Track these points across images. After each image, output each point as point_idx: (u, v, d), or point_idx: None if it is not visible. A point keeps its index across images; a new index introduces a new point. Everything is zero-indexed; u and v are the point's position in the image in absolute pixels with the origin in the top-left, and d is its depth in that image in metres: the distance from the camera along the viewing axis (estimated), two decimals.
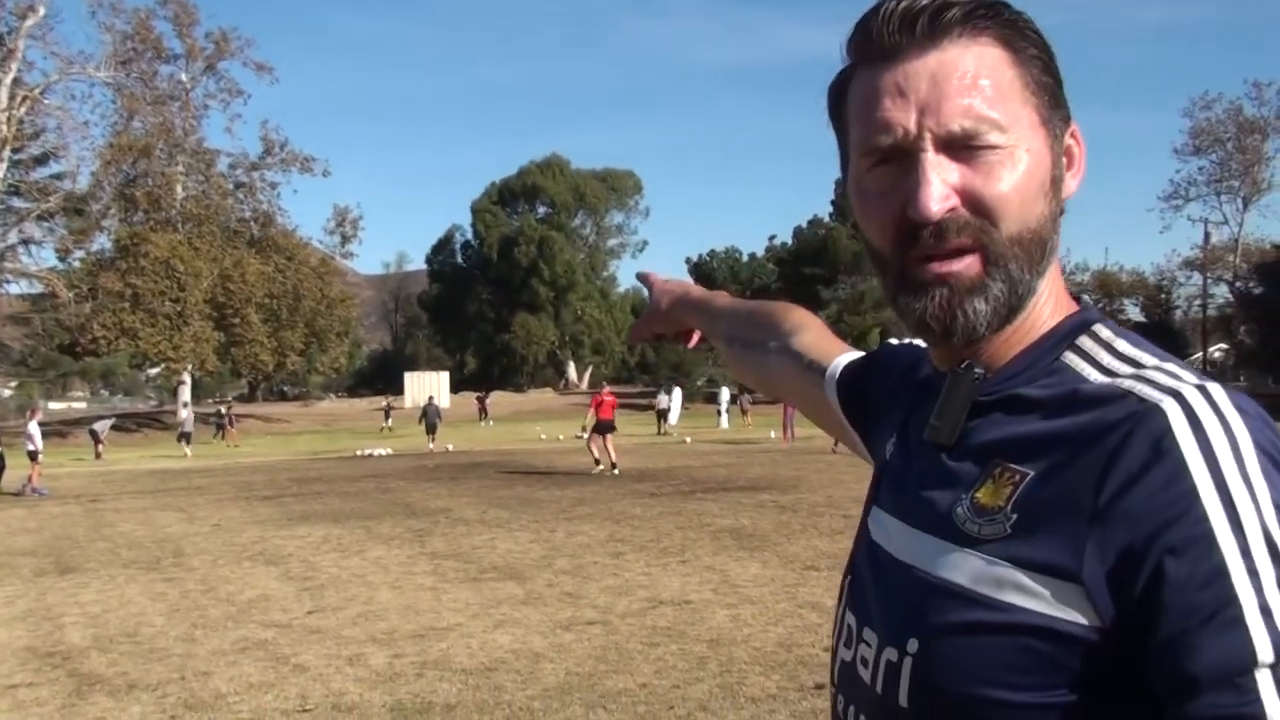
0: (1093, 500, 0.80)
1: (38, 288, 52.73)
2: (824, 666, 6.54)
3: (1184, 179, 64.50)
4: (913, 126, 0.89)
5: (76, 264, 53.41)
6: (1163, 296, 66.42)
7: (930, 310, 0.90)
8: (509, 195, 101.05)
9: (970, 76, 0.89)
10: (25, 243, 51.61)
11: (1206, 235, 64.11)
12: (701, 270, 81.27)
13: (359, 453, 32.91)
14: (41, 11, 47.92)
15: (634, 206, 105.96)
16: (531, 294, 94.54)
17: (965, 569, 0.86)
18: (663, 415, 42.31)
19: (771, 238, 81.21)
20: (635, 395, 63.31)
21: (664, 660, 6.86)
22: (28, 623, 8.93)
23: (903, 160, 0.90)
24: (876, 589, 0.97)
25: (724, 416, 44.63)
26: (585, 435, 21.93)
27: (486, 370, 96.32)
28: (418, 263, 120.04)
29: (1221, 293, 66.01)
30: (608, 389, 24.00)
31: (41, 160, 52.20)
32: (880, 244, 0.93)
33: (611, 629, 7.78)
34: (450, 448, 33.47)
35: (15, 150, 48.43)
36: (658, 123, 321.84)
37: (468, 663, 6.99)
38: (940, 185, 0.87)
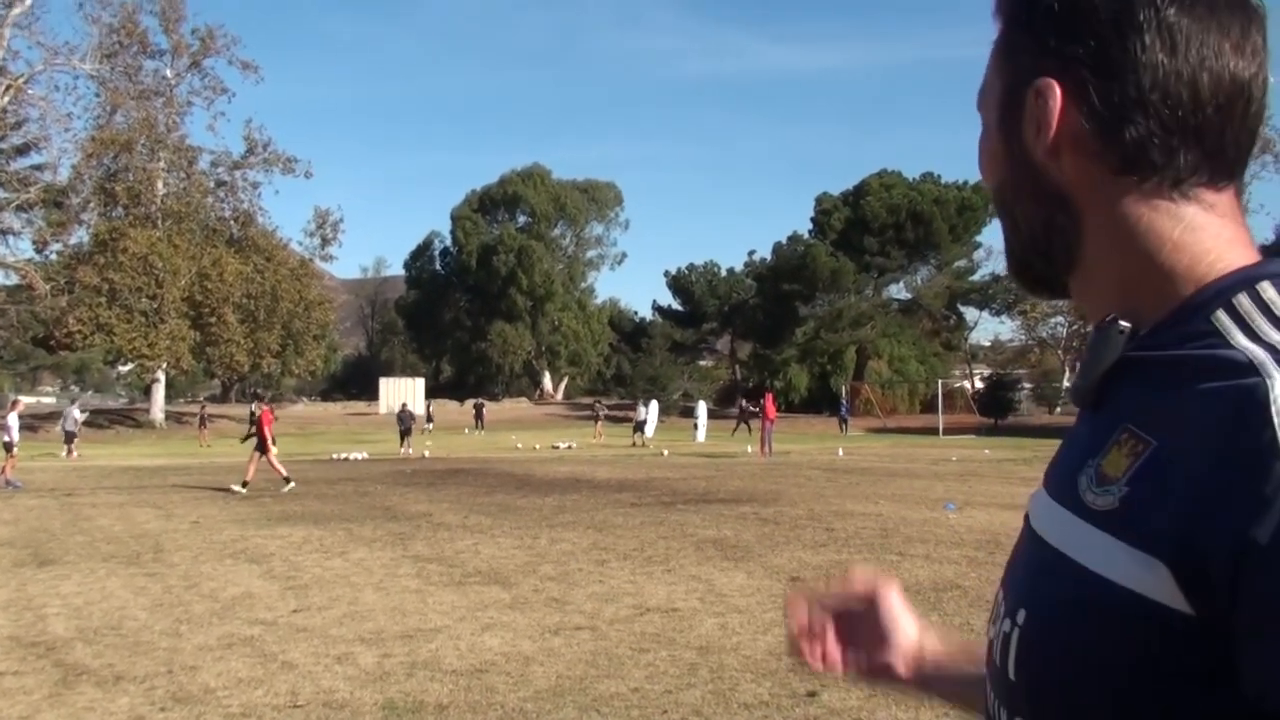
0: (1206, 483, 0.74)
1: (14, 279, 52.37)
2: (815, 676, 6.57)
3: None
4: None
5: (54, 257, 53.08)
6: None
7: None
8: (489, 203, 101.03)
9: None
10: (2, 233, 51.27)
11: None
12: (680, 284, 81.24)
13: (335, 456, 32.74)
14: (28, 0, 47.69)
15: (614, 218, 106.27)
16: (509, 303, 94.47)
17: (1079, 540, 0.82)
18: (639, 427, 42.27)
19: (751, 253, 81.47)
20: (611, 407, 63.29)
21: (654, 666, 6.86)
22: (9, 612, 8.86)
23: None
24: (1017, 562, 0.94)
25: (700, 430, 44.63)
26: (261, 455, 20.55)
27: (462, 378, 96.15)
28: (396, 268, 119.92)
29: None
30: (265, 405, 22.97)
31: (22, 151, 51.86)
32: None
33: (600, 634, 7.78)
34: (426, 454, 33.36)
35: None
36: (639, 136, 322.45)
37: (457, 664, 6.98)
38: None
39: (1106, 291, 0.90)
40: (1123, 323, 0.88)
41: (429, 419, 53.17)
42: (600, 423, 46.87)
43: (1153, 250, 0.87)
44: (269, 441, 20.73)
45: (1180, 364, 0.82)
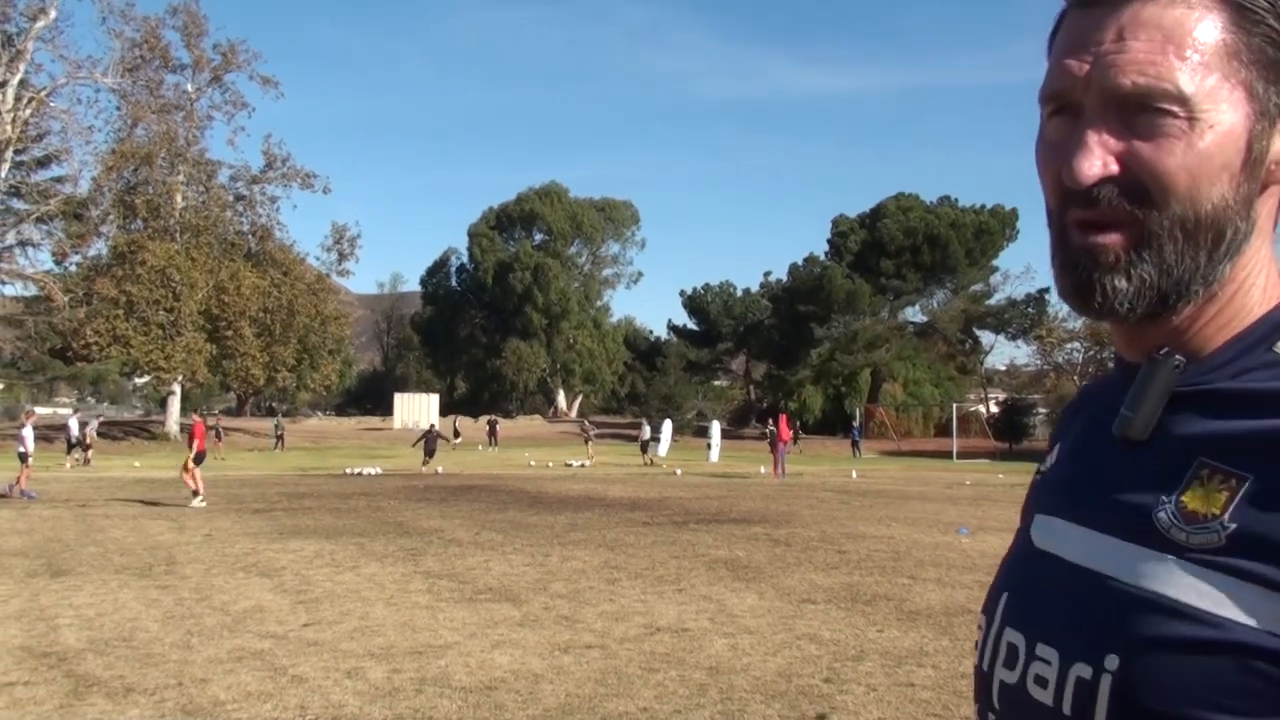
0: None
1: (32, 290, 52.72)
2: (824, 698, 6.58)
3: None
4: (1084, 79, 0.84)
5: (73, 268, 53.50)
6: None
7: (1069, 282, 0.87)
8: (506, 221, 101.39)
9: (1161, 34, 0.82)
10: (23, 244, 51.65)
11: None
12: (695, 303, 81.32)
13: (348, 470, 32.79)
14: (52, 14, 48.12)
15: (630, 237, 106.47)
16: (525, 320, 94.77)
17: (1174, 580, 0.78)
18: (644, 446, 41.89)
19: (767, 274, 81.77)
20: (624, 426, 63.28)
21: (664, 686, 6.85)
22: (22, 622, 8.89)
23: (1074, 114, 0.86)
24: (1053, 601, 0.87)
25: (714, 450, 44.46)
26: (189, 468, 20.41)
27: (476, 395, 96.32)
28: (412, 284, 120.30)
29: None
30: (198, 418, 23.10)
31: (44, 163, 52.34)
32: (1049, 199, 0.89)
33: (610, 653, 7.77)
34: (440, 470, 33.39)
35: (18, 151, 48.55)
36: (656, 155, 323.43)
37: (467, 681, 6.98)
38: (1097, 149, 0.83)
39: (1199, 322, 0.87)
40: (1178, 357, 0.86)
41: (455, 434, 53.51)
42: (590, 444, 45.87)
43: (1265, 283, 0.87)
44: (193, 454, 20.64)
45: (1253, 396, 0.81)
